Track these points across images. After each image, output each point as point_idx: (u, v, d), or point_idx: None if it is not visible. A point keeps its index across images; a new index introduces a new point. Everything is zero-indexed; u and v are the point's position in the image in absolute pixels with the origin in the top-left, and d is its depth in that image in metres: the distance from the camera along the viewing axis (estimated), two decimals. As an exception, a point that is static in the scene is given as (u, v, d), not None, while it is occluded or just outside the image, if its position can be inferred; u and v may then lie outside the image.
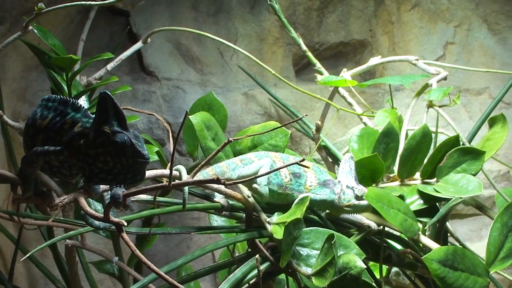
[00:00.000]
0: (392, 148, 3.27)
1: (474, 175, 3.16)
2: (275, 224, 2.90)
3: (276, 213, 2.99)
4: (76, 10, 4.46)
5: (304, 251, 2.90)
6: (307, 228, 2.94)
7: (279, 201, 3.08)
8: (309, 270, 2.79)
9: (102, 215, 2.10)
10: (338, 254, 2.74)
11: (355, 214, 3.08)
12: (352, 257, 2.62)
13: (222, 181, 1.95)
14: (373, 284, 2.78)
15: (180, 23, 4.67)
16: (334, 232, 2.92)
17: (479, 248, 3.98)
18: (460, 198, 3.05)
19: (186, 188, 2.78)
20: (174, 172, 2.55)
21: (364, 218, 3.11)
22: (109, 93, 1.99)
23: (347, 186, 3.03)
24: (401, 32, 5.20)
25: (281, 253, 2.79)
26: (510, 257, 2.98)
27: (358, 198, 3.00)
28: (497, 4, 5.25)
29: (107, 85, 3.73)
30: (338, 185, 3.05)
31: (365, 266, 2.60)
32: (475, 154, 3.19)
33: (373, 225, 3.09)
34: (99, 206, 3.14)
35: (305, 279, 2.82)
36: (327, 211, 3.16)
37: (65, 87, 3.37)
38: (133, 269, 3.70)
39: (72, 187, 2.89)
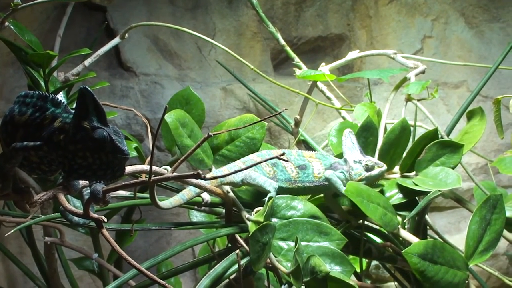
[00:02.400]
0: (371, 142, 3.28)
1: (453, 168, 3.18)
2: (252, 222, 2.90)
3: (255, 210, 3.00)
4: (53, 6, 4.43)
5: (284, 245, 2.90)
6: (286, 221, 2.95)
7: (295, 194, 3.09)
8: (289, 265, 2.79)
9: (81, 211, 2.09)
10: (318, 244, 2.78)
11: None
12: (318, 261, 2.63)
13: (202, 175, 1.94)
14: (346, 281, 2.78)
15: (157, 18, 4.66)
16: (313, 220, 2.94)
17: (458, 240, 4.01)
18: (439, 191, 3.06)
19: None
20: (154, 168, 2.53)
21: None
22: (88, 89, 1.97)
23: (354, 161, 3.07)
24: (379, 26, 5.21)
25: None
26: (489, 250, 3.01)
27: (368, 169, 3.04)
28: (474, -3, 5.29)
29: (85, 81, 3.71)
30: (346, 163, 3.08)
31: (329, 271, 2.60)
32: (454, 147, 3.21)
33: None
34: (78, 203, 3.12)
35: (286, 276, 2.82)
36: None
37: (43, 83, 3.34)
38: (113, 265, 3.69)
39: (50, 184, 2.88)
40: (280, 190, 3.05)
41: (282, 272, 2.83)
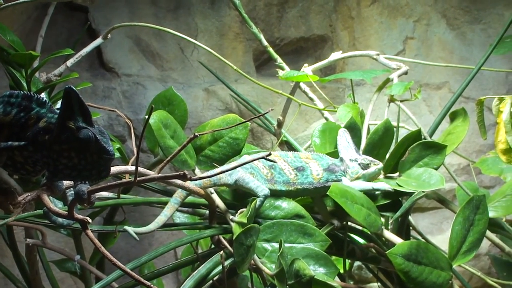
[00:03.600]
0: (355, 143, 3.28)
1: (436, 169, 3.19)
2: (236, 223, 2.90)
3: (239, 211, 3.00)
4: (34, 6, 4.39)
5: (268, 246, 2.90)
6: (270, 222, 2.95)
7: (293, 197, 3.09)
8: (274, 267, 2.79)
9: (65, 212, 2.07)
10: (302, 246, 2.78)
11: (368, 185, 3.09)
12: (302, 265, 2.64)
13: (189, 176, 1.93)
14: (331, 284, 2.79)
15: (139, 18, 4.63)
16: (297, 221, 2.94)
17: (440, 241, 4.02)
18: (423, 192, 3.07)
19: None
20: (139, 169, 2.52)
21: (375, 184, 3.11)
22: (74, 88, 1.96)
23: (350, 159, 3.09)
24: (361, 27, 5.22)
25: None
26: (472, 251, 3.02)
27: (365, 167, 3.06)
28: (455, -1, 5.31)
29: (67, 82, 3.68)
30: (342, 162, 3.09)
31: (313, 274, 2.61)
32: (437, 148, 3.22)
33: (387, 186, 3.10)
34: (59, 204, 3.10)
35: (270, 278, 2.82)
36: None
37: (25, 84, 3.32)
38: (95, 267, 3.67)
39: (32, 186, 2.86)
40: (279, 193, 3.06)
41: (266, 274, 2.83)
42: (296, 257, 2.71)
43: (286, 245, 2.85)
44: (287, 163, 3.09)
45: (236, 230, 2.81)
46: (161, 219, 2.98)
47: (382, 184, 3.08)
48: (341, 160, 3.11)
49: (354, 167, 3.07)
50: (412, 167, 3.22)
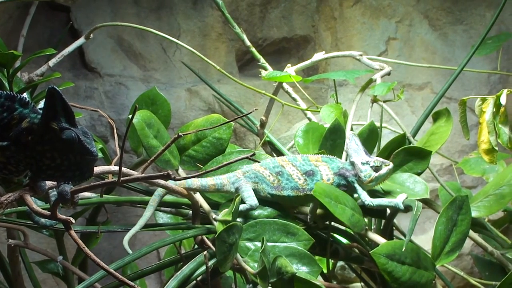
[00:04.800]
0: (339, 144, 3.29)
1: (420, 173, 3.20)
2: (220, 222, 2.90)
3: (221, 207, 3.00)
4: (15, 6, 4.37)
5: (251, 245, 2.90)
6: (253, 221, 2.95)
7: (302, 204, 3.09)
8: (256, 265, 2.79)
9: (48, 212, 2.06)
10: (285, 245, 2.78)
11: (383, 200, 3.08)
12: (284, 262, 2.64)
13: (173, 176, 1.93)
14: (313, 282, 2.79)
15: (122, 18, 4.62)
16: (280, 220, 2.94)
17: (423, 241, 4.04)
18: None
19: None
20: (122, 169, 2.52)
21: (392, 200, 3.08)
22: (57, 89, 1.94)
23: (361, 163, 3.05)
24: (344, 27, 5.23)
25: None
26: (455, 251, 3.03)
27: (377, 169, 3.03)
28: (437, 0, 5.32)
29: (49, 82, 3.67)
30: (354, 166, 3.07)
31: (295, 271, 2.61)
32: (422, 154, 3.24)
33: (401, 206, 3.06)
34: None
35: (253, 277, 2.82)
36: None
37: (6, 84, 3.30)
38: (78, 268, 3.66)
39: (14, 186, 2.84)
40: (287, 200, 3.06)
41: (249, 272, 2.83)
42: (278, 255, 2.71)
43: (269, 244, 2.86)
44: (295, 168, 3.07)
45: (220, 228, 2.81)
46: (146, 214, 3.00)
47: (398, 201, 3.05)
48: (352, 164, 3.08)
49: (367, 170, 3.03)
50: (396, 172, 3.23)
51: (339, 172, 3.07)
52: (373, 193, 3.13)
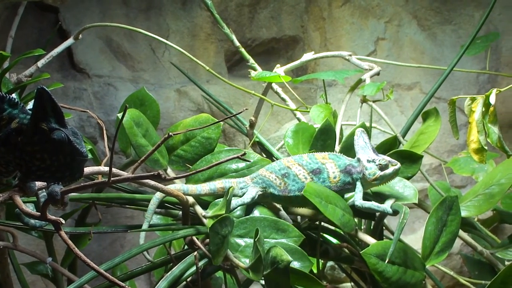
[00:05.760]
0: (329, 145, 3.29)
1: (410, 177, 3.21)
2: (210, 218, 2.90)
3: (210, 206, 3.00)
4: (3, 6, 4.35)
5: (241, 242, 2.90)
6: (243, 217, 2.95)
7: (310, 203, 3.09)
8: (247, 261, 2.79)
9: (38, 213, 2.05)
10: (275, 241, 2.80)
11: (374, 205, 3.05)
12: (279, 251, 2.63)
13: (163, 176, 1.92)
14: (306, 272, 2.79)
15: (111, 19, 4.61)
16: (270, 217, 2.94)
17: (413, 240, 4.05)
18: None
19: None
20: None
21: (380, 205, 3.06)
22: (46, 89, 1.94)
23: (367, 160, 3.03)
24: (333, 28, 5.23)
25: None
26: (445, 251, 3.04)
27: (382, 168, 3.01)
28: (426, 0, 5.33)
29: (38, 82, 3.65)
30: (359, 163, 3.05)
31: (291, 259, 2.60)
32: (413, 158, 3.24)
33: (390, 210, 3.05)
34: (30, 206, 3.07)
35: (245, 272, 2.81)
36: None
37: (-5, 85, 3.29)
38: (67, 269, 3.64)
39: (2, 187, 2.82)
40: (294, 201, 3.06)
41: (241, 267, 2.82)
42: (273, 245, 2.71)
43: (260, 240, 2.86)
44: (302, 167, 3.06)
45: (210, 223, 2.81)
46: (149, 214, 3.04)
47: (386, 206, 3.05)
48: (358, 160, 3.05)
49: (372, 167, 3.01)
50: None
51: (345, 170, 3.06)
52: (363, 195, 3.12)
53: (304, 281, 2.79)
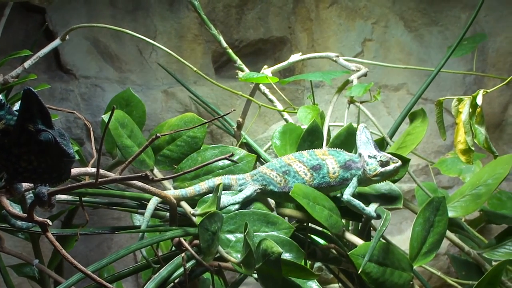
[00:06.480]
0: (317, 145, 3.30)
1: (397, 180, 3.21)
2: (199, 216, 2.90)
3: (199, 204, 2.99)
4: (-11, 7, 4.34)
5: (232, 237, 2.91)
6: (232, 213, 2.95)
7: None
8: (239, 256, 2.79)
9: (25, 215, 2.04)
10: (266, 234, 2.85)
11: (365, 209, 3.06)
12: (270, 243, 2.63)
13: (151, 177, 1.92)
14: (297, 262, 2.79)
15: (97, 20, 4.59)
16: (259, 211, 2.94)
17: (400, 241, 4.05)
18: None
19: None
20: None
21: (366, 207, 3.07)
22: (33, 90, 1.93)
23: (368, 156, 3.04)
24: (320, 29, 5.24)
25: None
26: (432, 252, 3.05)
27: (383, 164, 3.01)
28: (413, 1, 5.35)
29: (24, 84, 3.64)
30: (360, 158, 3.06)
31: (281, 251, 2.60)
32: (401, 161, 3.24)
33: (374, 214, 3.07)
34: (17, 208, 3.06)
35: (237, 266, 2.81)
36: None
37: (-19, 86, 3.28)
38: (54, 271, 3.63)
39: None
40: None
41: (232, 263, 2.82)
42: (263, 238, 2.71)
43: (250, 234, 2.86)
44: (302, 164, 3.07)
45: (199, 220, 2.81)
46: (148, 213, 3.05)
47: (371, 210, 3.06)
48: (359, 155, 3.07)
49: (373, 163, 3.01)
50: (373, 178, 3.23)
51: (345, 165, 3.06)
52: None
53: (296, 272, 2.79)
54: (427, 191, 3.63)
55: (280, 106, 3.90)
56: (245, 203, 3.07)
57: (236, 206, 3.02)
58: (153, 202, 3.05)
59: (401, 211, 4.88)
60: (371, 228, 3.52)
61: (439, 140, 3.66)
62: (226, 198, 3.02)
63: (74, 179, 3.11)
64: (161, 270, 2.83)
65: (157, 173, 3.29)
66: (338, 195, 3.13)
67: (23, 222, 2.24)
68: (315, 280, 2.85)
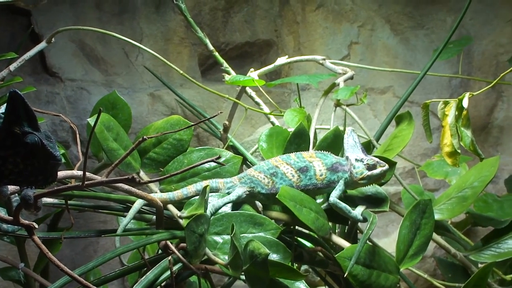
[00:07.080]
0: (303, 148, 3.29)
1: (384, 183, 3.21)
2: (186, 218, 2.89)
3: (185, 206, 2.99)
4: (-25, 10, 4.34)
5: (219, 239, 2.90)
6: (219, 215, 2.95)
7: None
8: (227, 258, 2.79)
9: (11, 218, 2.03)
10: (253, 235, 2.85)
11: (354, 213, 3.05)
12: (257, 245, 2.62)
13: (138, 179, 1.91)
14: (284, 263, 2.79)
15: (84, 23, 4.59)
16: (246, 212, 2.94)
17: (386, 244, 4.06)
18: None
19: None
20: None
21: (352, 210, 3.06)
22: (19, 92, 1.92)
23: (355, 159, 3.03)
24: (306, 32, 5.24)
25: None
26: (419, 254, 3.06)
27: (370, 168, 3.00)
28: (399, 5, 5.36)
29: (10, 86, 3.62)
30: (347, 161, 3.06)
31: (268, 252, 2.60)
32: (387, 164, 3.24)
33: (360, 217, 3.06)
34: (3, 211, 3.04)
35: (224, 268, 2.81)
36: None
37: (-34, 89, 3.26)
38: (40, 275, 3.61)
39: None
40: None
41: (220, 265, 2.82)
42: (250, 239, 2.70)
43: (237, 235, 2.85)
44: (289, 165, 3.07)
45: (186, 223, 2.80)
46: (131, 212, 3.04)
47: (357, 213, 3.05)
48: (347, 159, 3.06)
49: (359, 167, 3.01)
50: (360, 181, 3.23)
51: (332, 168, 3.07)
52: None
53: (284, 272, 2.78)
54: (414, 194, 3.64)
55: (266, 109, 3.90)
56: (234, 206, 3.07)
57: (227, 209, 3.02)
58: (139, 202, 3.04)
59: (388, 213, 4.89)
60: (358, 231, 3.52)
61: (425, 142, 3.68)
62: (215, 201, 3.01)
63: (60, 182, 3.10)
64: (147, 274, 2.82)
65: (144, 176, 3.28)
66: (321, 199, 3.14)
67: (9, 225, 2.22)
68: (303, 280, 2.85)
